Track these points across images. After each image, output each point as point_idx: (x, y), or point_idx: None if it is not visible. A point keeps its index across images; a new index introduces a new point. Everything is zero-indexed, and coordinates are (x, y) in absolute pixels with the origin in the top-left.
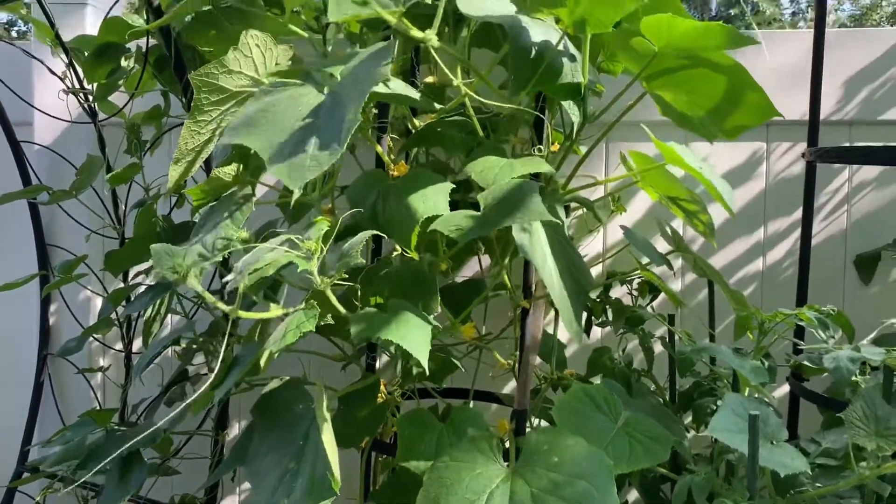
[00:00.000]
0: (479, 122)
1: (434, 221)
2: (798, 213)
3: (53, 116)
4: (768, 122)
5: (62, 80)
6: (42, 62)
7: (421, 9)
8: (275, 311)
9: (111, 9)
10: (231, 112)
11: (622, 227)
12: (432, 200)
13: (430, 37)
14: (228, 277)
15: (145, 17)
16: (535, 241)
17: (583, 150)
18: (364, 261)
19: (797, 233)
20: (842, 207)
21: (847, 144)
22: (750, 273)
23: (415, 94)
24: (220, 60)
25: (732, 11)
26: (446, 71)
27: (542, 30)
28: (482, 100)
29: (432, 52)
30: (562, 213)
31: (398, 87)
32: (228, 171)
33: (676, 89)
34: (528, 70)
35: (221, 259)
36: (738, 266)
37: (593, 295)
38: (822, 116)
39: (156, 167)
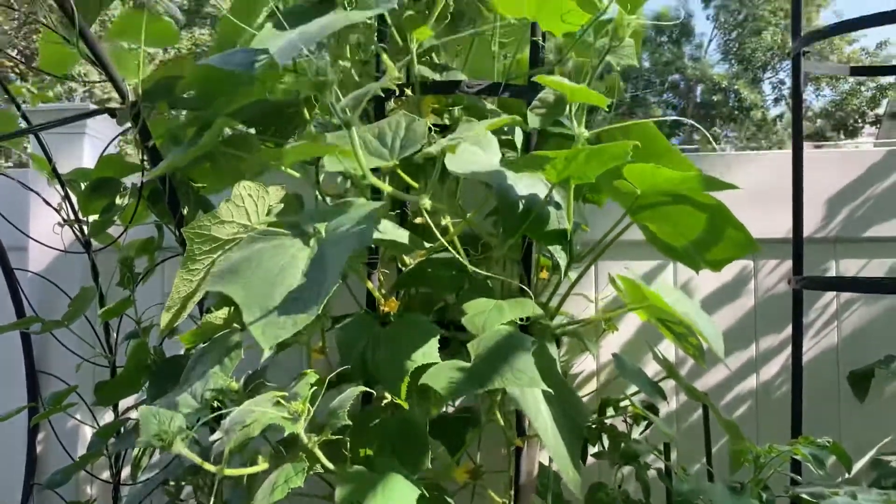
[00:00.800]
0: (467, 255)
1: (424, 371)
2: (789, 330)
3: (48, 246)
4: (755, 240)
5: (58, 211)
6: (39, 194)
7: (411, 158)
8: (262, 464)
9: (108, 145)
10: (223, 256)
11: (613, 355)
12: (422, 350)
13: (424, 201)
14: (215, 436)
15: (140, 156)
16: (526, 392)
17: (572, 275)
18: (350, 423)
19: (789, 349)
20: (831, 324)
21: (833, 261)
22: (744, 391)
23: (404, 238)
24: (212, 213)
25: (716, 98)
26: (430, 223)
27: (528, 183)
28: (468, 237)
29: (424, 211)
30: (553, 349)
31: (388, 229)
32: (219, 316)
33: (660, 221)
34: (516, 222)
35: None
36: (732, 384)
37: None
38: (806, 234)
39: (148, 296)
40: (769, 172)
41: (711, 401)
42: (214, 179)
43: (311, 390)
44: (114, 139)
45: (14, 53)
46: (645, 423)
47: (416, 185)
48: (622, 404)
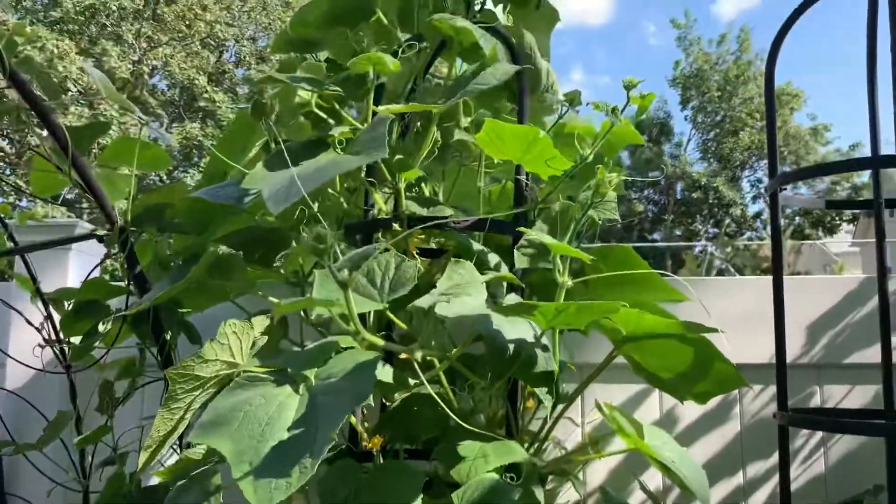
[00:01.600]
0: (453, 390)
1: None
2: (776, 456)
3: (26, 365)
4: (739, 366)
5: (39, 331)
6: (21, 313)
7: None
8: None
9: (96, 267)
10: (204, 394)
11: (601, 488)
12: (407, 500)
13: (415, 353)
14: None
15: (126, 280)
16: None
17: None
18: None
19: (777, 476)
20: (818, 451)
21: (817, 387)
22: None
23: (388, 377)
24: (197, 353)
25: (695, 195)
26: (416, 364)
27: (516, 328)
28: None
29: (415, 363)
30: (539, 492)
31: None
32: (198, 452)
33: (646, 354)
34: (504, 366)
35: None
36: None
37: None
38: (789, 360)
39: (126, 419)
40: (752, 297)
41: None
42: (199, 300)
43: None
44: (100, 263)
45: (5, 143)
46: None
47: (403, 325)
48: None
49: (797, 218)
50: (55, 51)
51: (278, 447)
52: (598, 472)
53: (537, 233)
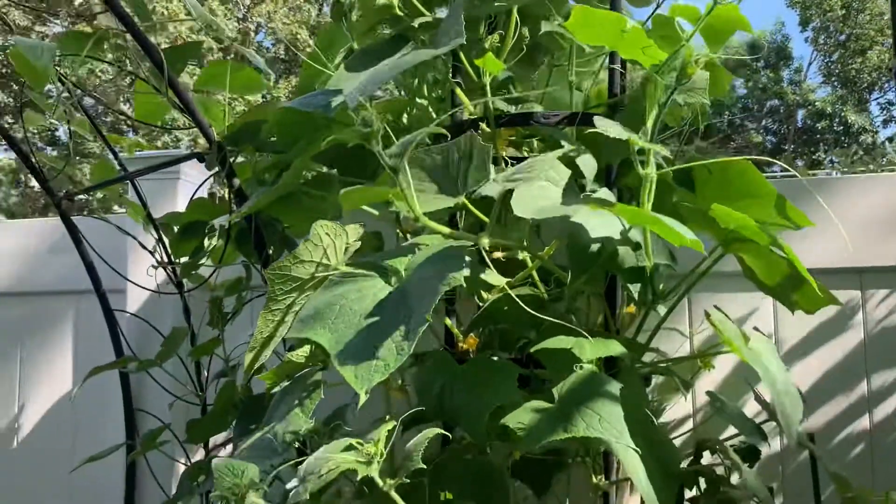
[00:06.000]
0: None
1: (504, 413)
2: None
3: (143, 287)
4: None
5: (152, 254)
6: (135, 238)
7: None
8: None
9: (198, 189)
10: (303, 297)
11: (708, 393)
12: (501, 390)
13: (483, 241)
14: (291, 485)
15: (228, 197)
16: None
17: (661, 310)
18: (425, 466)
19: None
20: None
21: None
22: (855, 432)
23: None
24: (293, 253)
25: (819, 124)
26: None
27: (600, 222)
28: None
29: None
30: (641, 390)
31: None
32: (301, 354)
33: (753, 255)
34: (587, 261)
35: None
36: (841, 424)
37: (684, 464)
38: None
39: (237, 334)
40: (879, 197)
41: (820, 442)
42: (299, 219)
43: (387, 433)
44: (203, 183)
45: (126, 107)
46: (748, 464)
47: (486, 219)
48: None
49: None
50: None
51: (375, 332)
52: (708, 384)
53: (610, 122)
